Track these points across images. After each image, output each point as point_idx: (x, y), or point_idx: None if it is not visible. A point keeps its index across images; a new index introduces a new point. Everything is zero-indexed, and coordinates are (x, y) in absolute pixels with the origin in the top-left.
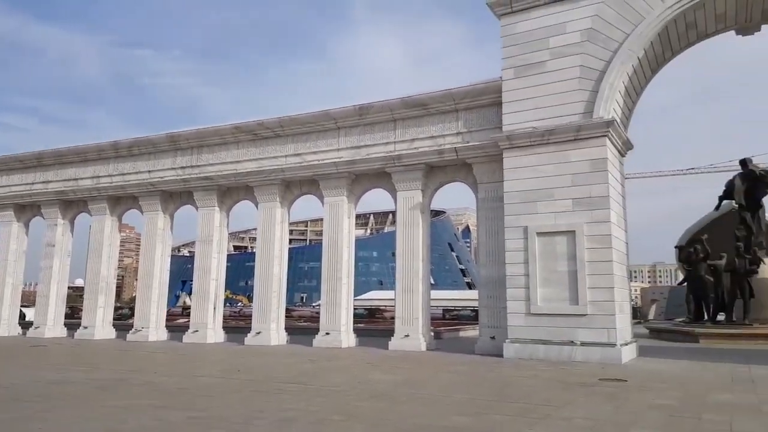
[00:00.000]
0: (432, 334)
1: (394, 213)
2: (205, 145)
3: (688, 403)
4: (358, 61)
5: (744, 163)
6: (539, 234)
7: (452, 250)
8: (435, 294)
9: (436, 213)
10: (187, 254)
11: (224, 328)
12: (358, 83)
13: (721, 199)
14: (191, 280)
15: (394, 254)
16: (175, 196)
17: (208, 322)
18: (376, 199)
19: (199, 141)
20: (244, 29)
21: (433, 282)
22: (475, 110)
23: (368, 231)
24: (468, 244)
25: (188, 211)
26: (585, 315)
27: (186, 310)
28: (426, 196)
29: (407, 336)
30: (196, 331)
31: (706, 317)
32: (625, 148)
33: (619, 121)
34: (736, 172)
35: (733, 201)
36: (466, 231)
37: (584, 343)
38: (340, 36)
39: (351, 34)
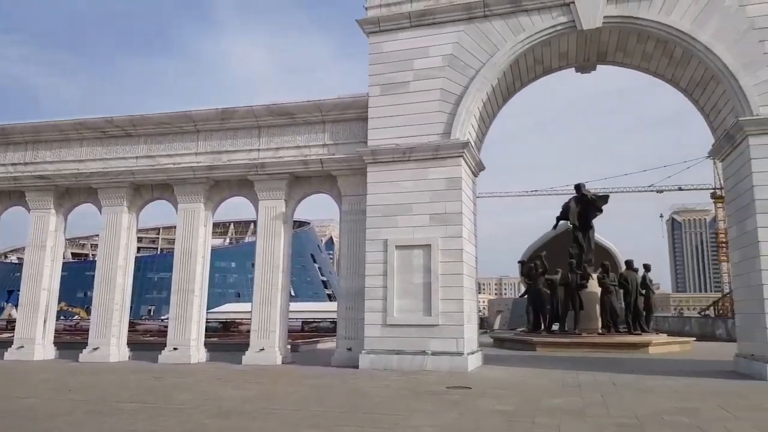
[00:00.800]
0: (289, 347)
1: (255, 222)
2: (42, 141)
3: (524, 408)
4: (223, 64)
5: (578, 187)
6: (398, 247)
7: (315, 261)
8: (294, 306)
9: (300, 224)
10: (16, 261)
11: (57, 343)
12: (222, 86)
13: (558, 219)
14: (18, 290)
15: (254, 265)
16: (4, 196)
17: (37, 337)
18: (235, 208)
19: (35, 136)
20: (98, 20)
21: (293, 294)
22: (342, 123)
23: (227, 240)
24: (331, 256)
25: (19, 213)
26: (437, 325)
27: (12, 324)
28: (289, 206)
29: (262, 350)
30: (21, 347)
31: (542, 327)
32: (478, 168)
33: (473, 143)
34: (571, 196)
35: (569, 221)
36: (330, 242)
37: (435, 353)
38: (204, 36)
39: (216, 35)
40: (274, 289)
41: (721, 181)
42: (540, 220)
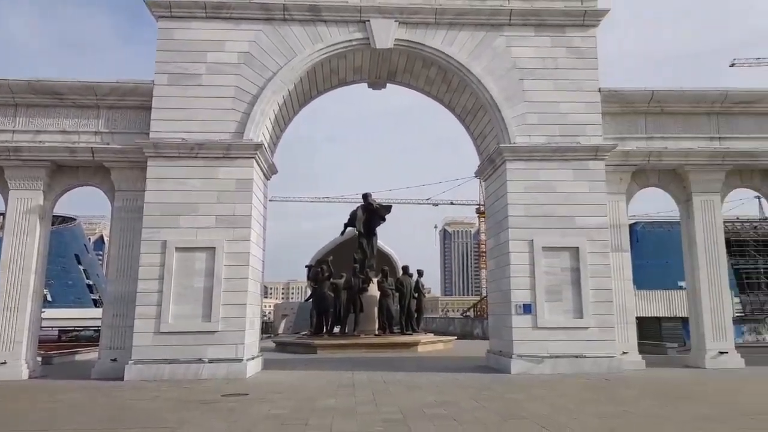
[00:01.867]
0: (40, 359)
1: (4, 215)
2: None
3: (298, 411)
4: None
5: (365, 196)
6: (179, 249)
7: (79, 262)
8: (51, 313)
9: (64, 219)
10: None
11: None
12: None
13: (345, 225)
14: None
15: None
16: None
17: None
18: None
19: None
20: None
21: (49, 299)
22: (120, 110)
23: None
24: (100, 257)
25: None
26: (216, 332)
27: None
28: (49, 198)
29: (4, 363)
30: None
31: (324, 330)
32: (270, 171)
33: (267, 145)
34: (359, 204)
35: (355, 228)
36: (100, 242)
37: (212, 360)
38: None
39: None
40: (24, 293)
41: (484, 199)
42: (330, 224)
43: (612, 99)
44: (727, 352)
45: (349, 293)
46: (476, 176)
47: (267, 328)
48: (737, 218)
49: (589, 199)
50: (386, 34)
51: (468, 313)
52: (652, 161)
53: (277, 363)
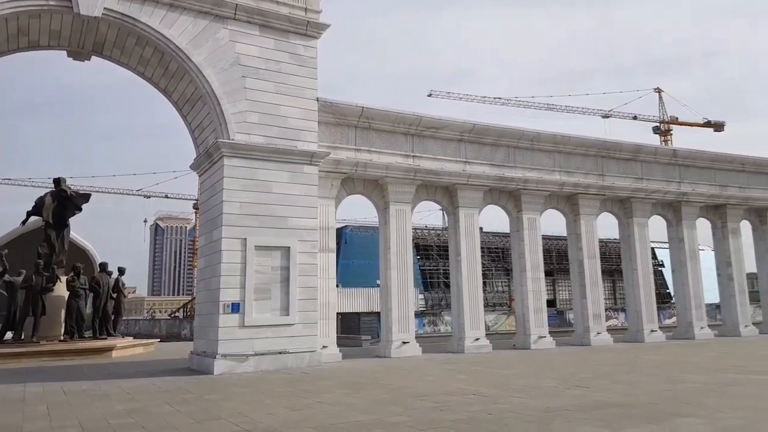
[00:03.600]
0: None
1: None
2: None
3: None
4: None
5: (57, 182)
6: None
7: None
8: None
9: None
10: None
11: None
12: None
13: (29, 214)
14: None
15: None
16: None
17: None
18: None
19: None
20: None
21: None
22: None
23: None
24: None
25: None
26: None
27: None
28: None
29: None
30: None
31: None
32: None
33: None
34: (50, 189)
35: (41, 217)
36: None
37: None
38: None
39: None
40: None
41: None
42: (8, 213)
43: (328, 109)
44: (409, 342)
45: (29, 293)
46: (193, 170)
47: None
48: (425, 226)
49: (302, 201)
50: (93, 1)
51: (177, 314)
52: (359, 171)
53: None
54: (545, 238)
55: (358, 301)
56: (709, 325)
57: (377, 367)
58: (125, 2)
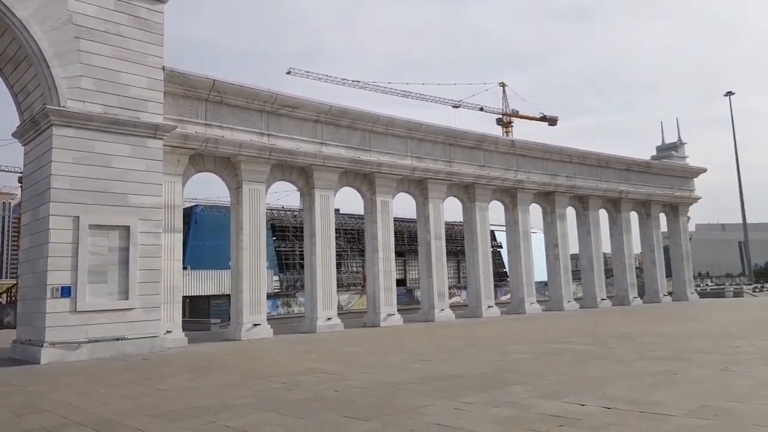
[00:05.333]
0: None
1: None
2: None
3: None
4: None
5: None
6: None
7: None
8: None
9: None
10: None
11: None
12: None
13: None
14: None
15: None
16: None
17: None
18: None
19: None
20: None
21: None
22: None
23: None
24: None
25: None
26: None
27: None
28: None
29: None
30: None
31: None
32: None
33: None
34: None
35: None
36: None
37: None
38: None
39: None
40: None
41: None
42: None
43: (176, 80)
44: (260, 324)
45: None
46: (16, 138)
47: None
48: (282, 207)
49: (145, 177)
50: None
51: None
52: (210, 147)
53: None
54: (397, 220)
55: (209, 283)
56: (538, 301)
57: (225, 350)
58: None
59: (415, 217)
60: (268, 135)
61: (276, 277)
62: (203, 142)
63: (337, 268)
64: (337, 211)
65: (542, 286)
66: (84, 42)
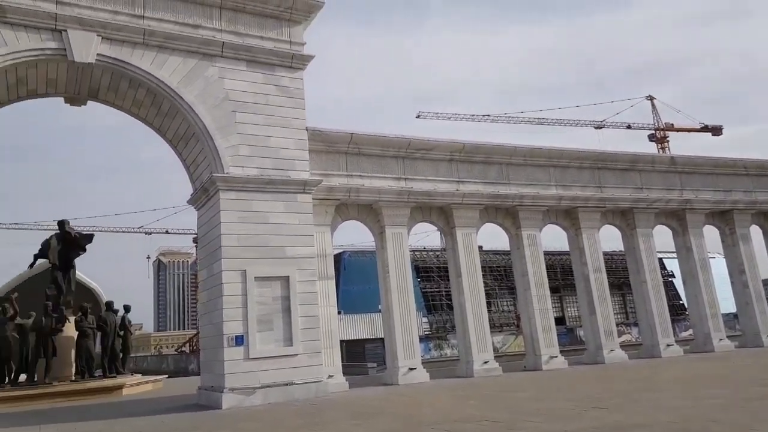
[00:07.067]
0: None
1: None
2: None
3: None
4: None
5: (62, 224)
6: None
7: None
8: None
9: None
10: None
11: None
12: None
13: (36, 257)
14: None
15: None
16: None
17: None
18: None
19: None
20: None
21: None
22: None
23: None
24: None
25: None
26: None
27: None
28: None
29: None
30: None
31: (7, 380)
32: None
33: None
34: (55, 232)
35: (48, 260)
36: None
37: None
38: None
39: None
40: None
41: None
42: (15, 257)
43: (317, 138)
44: (416, 368)
45: (39, 335)
46: (190, 205)
47: None
48: (424, 248)
49: (298, 230)
50: (87, 48)
51: (183, 349)
52: (352, 196)
53: None
54: (548, 253)
55: (361, 327)
56: (728, 336)
57: (385, 395)
58: (116, 47)
59: (568, 249)
60: (405, 179)
61: (425, 319)
62: (346, 192)
63: (487, 307)
64: (480, 248)
65: (730, 318)
66: (239, 114)
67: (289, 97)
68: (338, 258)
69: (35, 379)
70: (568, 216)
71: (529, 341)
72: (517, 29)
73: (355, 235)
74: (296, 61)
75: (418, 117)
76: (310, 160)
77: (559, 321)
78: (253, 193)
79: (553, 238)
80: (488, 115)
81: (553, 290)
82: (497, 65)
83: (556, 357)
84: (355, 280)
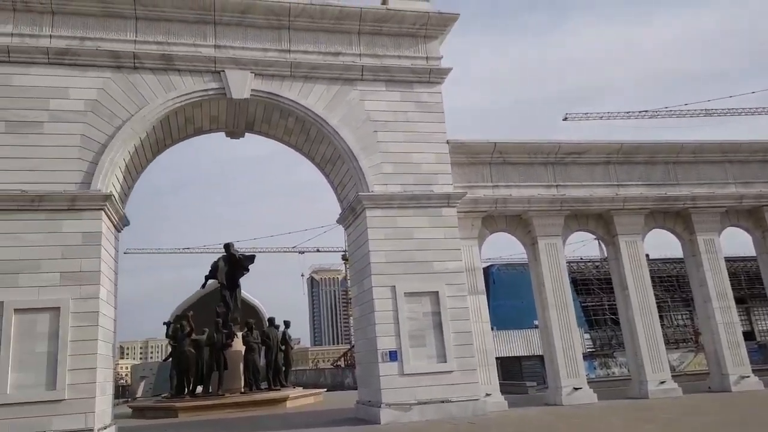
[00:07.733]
0: None
1: None
2: None
3: None
4: None
5: (227, 247)
6: (18, 311)
7: None
8: None
9: None
10: None
11: None
12: None
13: (207, 278)
14: None
15: None
16: None
17: None
18: None
19: None
20: None
21: None
22: None
23: None
24: None
25: None
26: (62, 400)
27: None
28: None
29: None
30: None
31: (186, 391)
32: (122, 223)
33: (117, 196)
34: (221, 254)
35: (217, 280)
36: None
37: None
38: None
39: None
40: None
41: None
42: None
43: (459, 150)
44: (581, 388)
45: (212, 350)
46: (338, 224)
47: (123, 392)
48: (581, 258)
49: (444, 244)
50: (242, 85)
51: (339, 363)
52: (499, 207)
53: (131, 431)
54: (728, 260)
55: (516, 344)
56: None
57: (548, 416)
58: (267, 81)
59: (755, 254)
60: (557, 186)
61: (587, 335)
62: (492, 204)
63: (659, 321)
64: (647, 256)
65: None
66: (381, 133)
67: (428, 111)
68: (486, 272)
69: (210, 390)
70: (751, 216)
71: (713, 359)
72: (668, 16)
73: (504, 248)
74: (434, 76)
75: (564, 119)
76: (453, 172)
77: (748, 336)
78: (397, 209)
79: (732, 241)
80: (645, 111)
81: (739, 301)
82: (649, 57)
83: (748, 377)
84: (506, 294)
